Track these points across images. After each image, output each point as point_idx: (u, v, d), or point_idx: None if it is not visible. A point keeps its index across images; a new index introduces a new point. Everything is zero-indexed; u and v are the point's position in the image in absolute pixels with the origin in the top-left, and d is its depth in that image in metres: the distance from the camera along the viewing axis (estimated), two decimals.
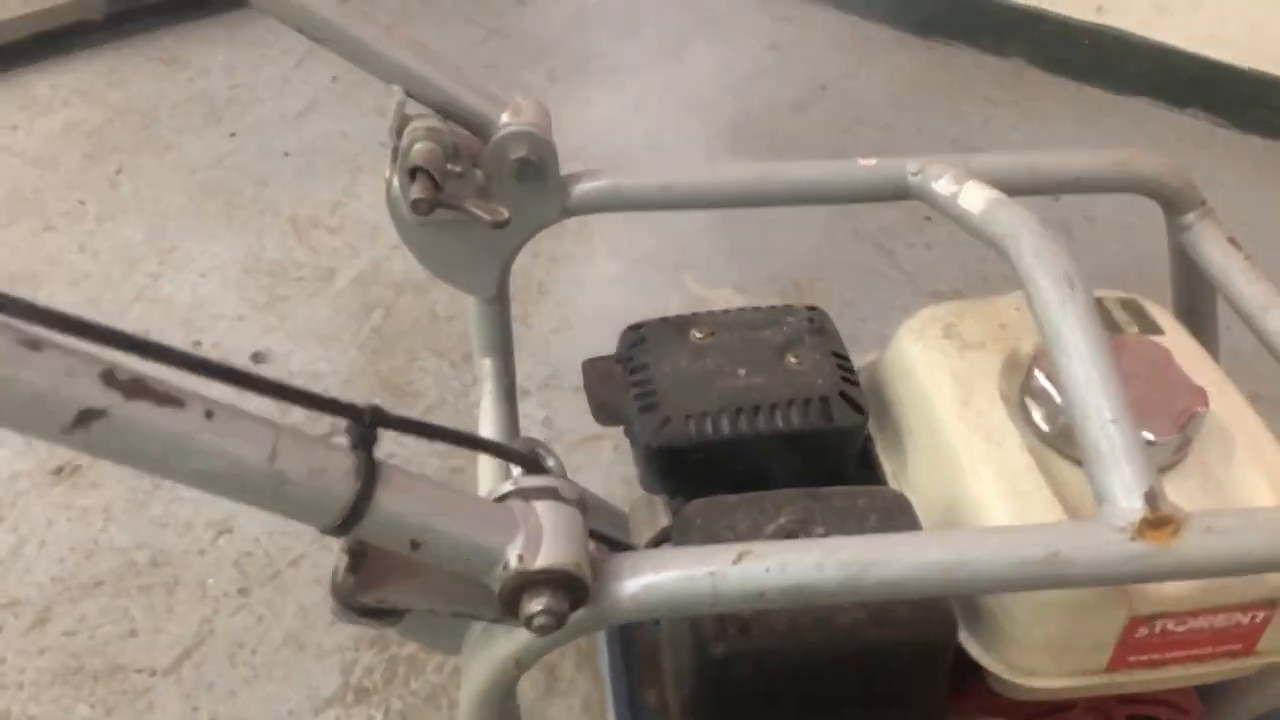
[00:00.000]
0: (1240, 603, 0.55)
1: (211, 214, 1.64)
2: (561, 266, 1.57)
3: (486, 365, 0.78)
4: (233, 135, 1.82)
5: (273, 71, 2.01)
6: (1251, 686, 0.72)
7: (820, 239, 1.65)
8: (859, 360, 0.76)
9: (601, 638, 0.96)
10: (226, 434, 0.36)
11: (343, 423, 0.39)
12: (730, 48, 2.16)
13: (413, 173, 0.61)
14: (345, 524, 0.38)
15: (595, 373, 0.72)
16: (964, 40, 2.20)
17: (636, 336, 0.71)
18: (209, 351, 1.39)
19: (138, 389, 0.34)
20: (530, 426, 1.30)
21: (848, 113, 2.00)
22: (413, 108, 0.64)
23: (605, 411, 0.71)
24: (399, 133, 0.63)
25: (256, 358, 1.39)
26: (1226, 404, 0.63)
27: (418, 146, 0.62)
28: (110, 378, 0.33)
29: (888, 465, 0.70)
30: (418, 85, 0.64)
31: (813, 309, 0.74)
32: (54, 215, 1.62)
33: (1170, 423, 0.58)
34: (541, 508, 0.43)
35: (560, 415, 1.32)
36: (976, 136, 1.94)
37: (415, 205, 0.60)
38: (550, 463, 0.48)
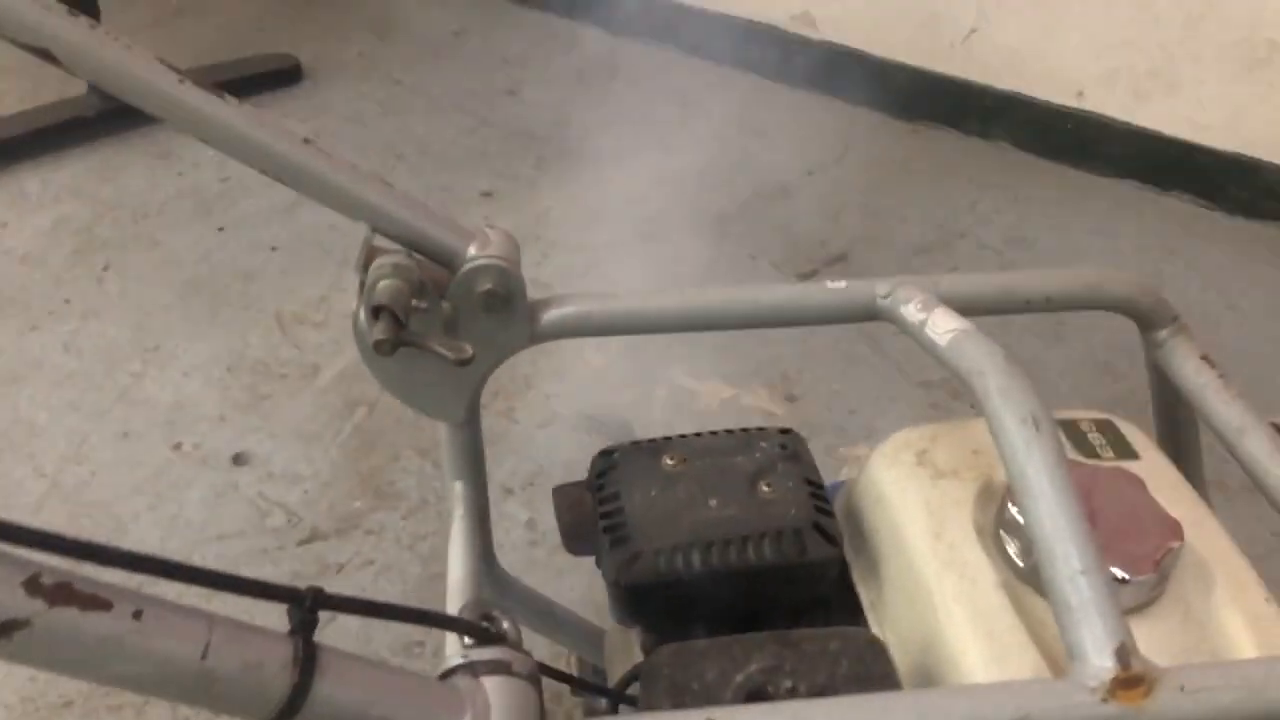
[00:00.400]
0: None
1: (197, 310, 1.65)
2: (548, 359, 1.57)
3: (457, 489, 0.77)
4: (221, 230, 1.84)
5: None
6: None
7: (806, 329, 1.65)
8: (840, 474, 0.75)
9: None
10: (155, 634, 0.34)
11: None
12: (716, 134, 2.20)
13: (376, 311, 0.61)
14: (282, 717, 0.37)
15: (565, 500, 0.71)
16: (948, 124, 2.24)
17: (607, 462, 0.70)
18: (190, 454, 1.38)
19: (63, 594, 0.33)
20: (512, 528, 1.28)
21: (834, 198, 2.02)
22: (381, 242, 0.65)
23: (576, 541, 0.70)
24: (365, 268, 0.63)
25: (237, 459, 1.38)
26: (1204, 535, 0.62)
27: (383, 284, 0.62)
28: (34, 584, 0.33)
29: (865, 594, 0.68)
30: (384, 222, 0.64)
31: (786, 432, 0.73)
32: (39, 314, 1.63)
33: (1145, 560, 0.57)
34: (491, 684, 0.41)
35: (544, 516, 1.30)
36: (963, 220, 1.96)
37: (377, 346, 0.59)
38: (505, 625, 0.47)
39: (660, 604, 0.65)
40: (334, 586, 0.57)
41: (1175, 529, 0.59)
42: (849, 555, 0.70)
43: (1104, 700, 0.45)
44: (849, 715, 0.45)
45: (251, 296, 1.68)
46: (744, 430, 0.73)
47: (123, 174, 1.99)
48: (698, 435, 0.72)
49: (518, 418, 1.46)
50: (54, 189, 1.94)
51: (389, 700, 0.39)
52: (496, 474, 1.35)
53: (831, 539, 0.65)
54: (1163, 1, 1.89)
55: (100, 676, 0.34)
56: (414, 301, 0.62)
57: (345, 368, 1.53)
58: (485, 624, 0.45)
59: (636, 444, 0.72)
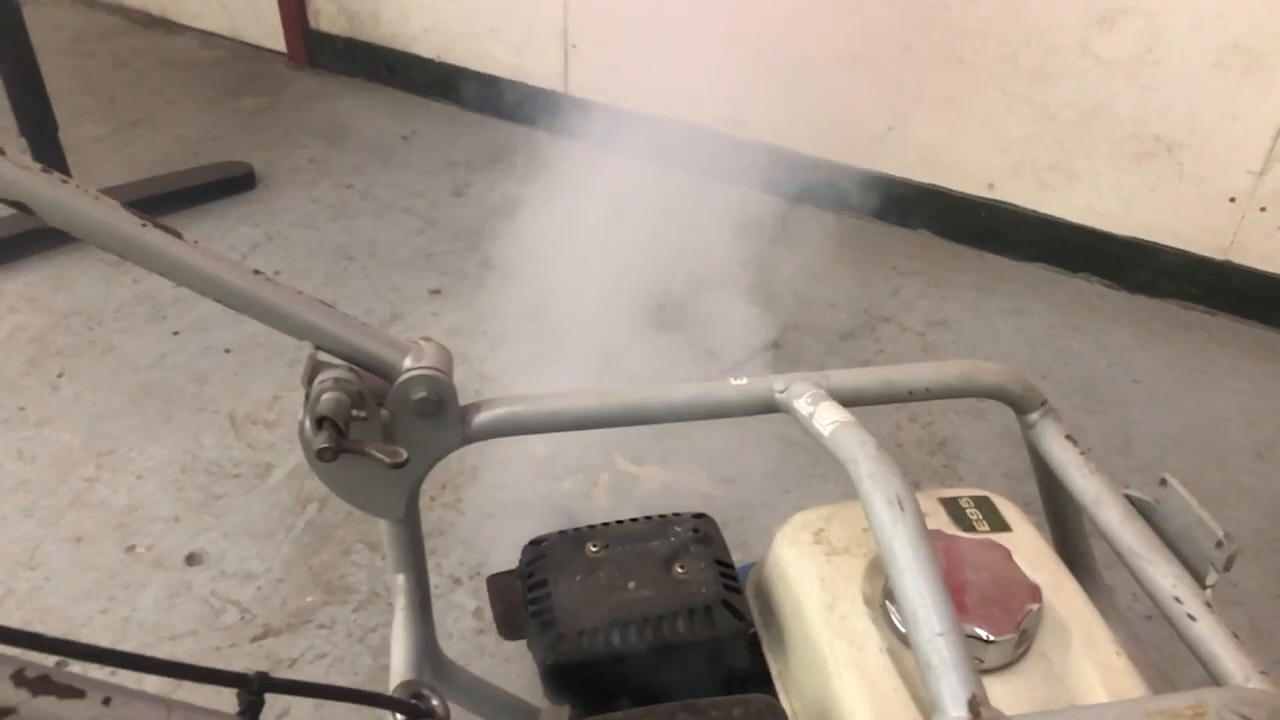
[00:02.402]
0: None
1: (151, 414, 1.69)
2: (494, 450, 1.63)
3: (400, 581, 0.83)
4: (175, 334, 1.89)
5: None
6: None
7: None
8: (751, 557, 0.82)
9: None
10: (122, 718, 0.40)
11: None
12: (652, 230, 2.31)
13: (320, 421, 0.68)
14: None
15: (497, 589, 0.77)
16: (872, 214, 2.38)
17: (536, 551, 0.77)
18: (143, 556, 1.41)
19: (44, 685, 0.39)
20: (460, 617, 1.33)
21: (766, 287, 2.13)
22: (324, 357, 0.72)
23: (509, 626, 0.76)
24: (310, 381, 0.70)
25: (191, 559, 1.41)
26: (1065, 598, 0.69)
27: (325, 397, 0.68)
28: (20, 677, 0.38)
29: (773, 664, 0.75)
30: (327, 340, 0.71)
31: (699, 516, 0.80)
32: None
33: (1006, 621, 0.64)
34: None
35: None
36: (888, 305, 2.08)
37: (321, 454, 0.66)
38: (435, 703, 0.52)
39: (586, 681, 0.70)
40: None
41: (1035, 592, 0.67)
42: (760, 629, 0.77)
43: None
44: None
45: (205, 398, 1.73)
46: (661, 516, 0.80)
47: (78, 282, 2.04)
48: (619, 523, 0.79)
49: (465, 509, 1.51)
50: (8, 298, 1.98)
51: None
52: (445, 564, 1.40)
53: (739, 614, 0.72)
54: (1057, 102, 2.06)
55: None
56: (354, 411, 0.69)
57: (297, 465, 1.58)
58: (415, 701, 0.51)
59: (563, 533, 0.78)
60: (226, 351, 1.85)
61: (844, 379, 0.79)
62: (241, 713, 0.43)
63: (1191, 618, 0.64)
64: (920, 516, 0.61)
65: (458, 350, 1.46)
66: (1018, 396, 0.83)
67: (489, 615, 1.34)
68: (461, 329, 1.97)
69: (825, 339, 1.97)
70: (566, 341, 1.94)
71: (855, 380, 0.79)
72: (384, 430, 0.73)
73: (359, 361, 0.73)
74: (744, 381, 0.80)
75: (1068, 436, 0.81)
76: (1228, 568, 0.67)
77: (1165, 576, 0.67)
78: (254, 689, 0.44)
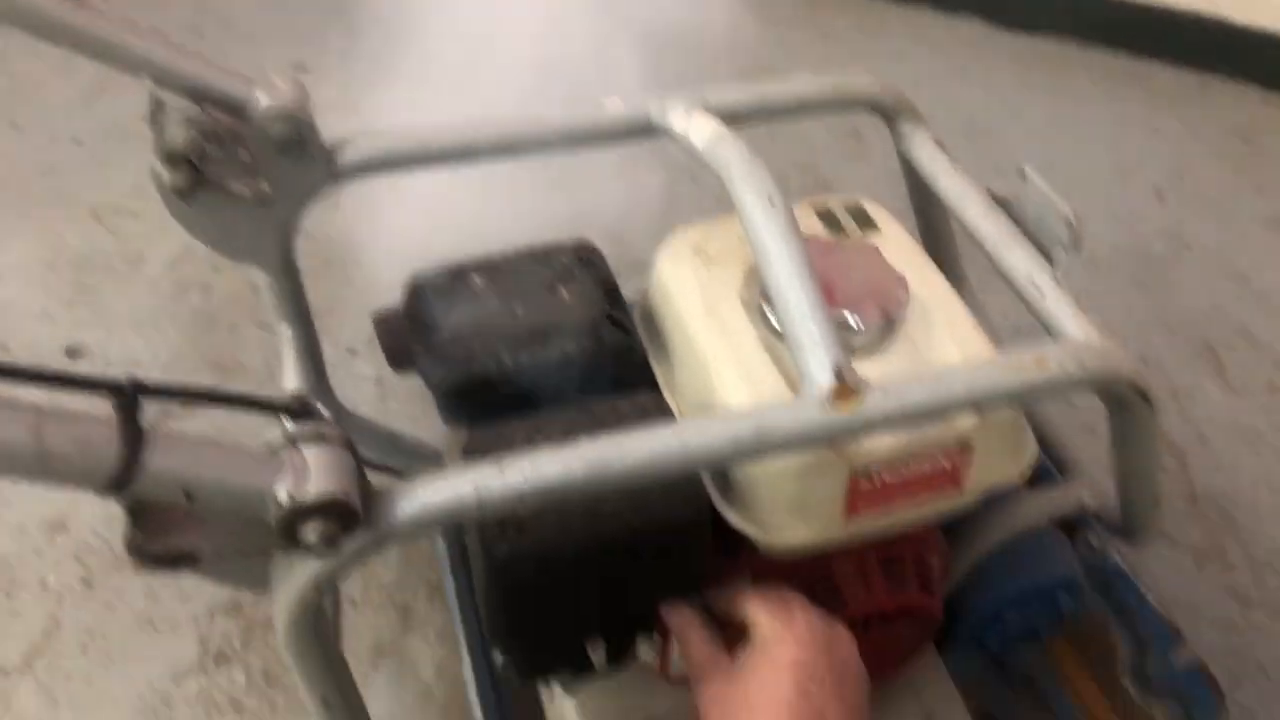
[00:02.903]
0: (938, 448, 0.65)
1: (2, 212, 1.58)
2: (376, 238, 1.59)
3: (286, 333, 0.82)
4: (15, 127, 1.74)
5: (55, 55, 1.92)
6: (983, 523, 0.85)
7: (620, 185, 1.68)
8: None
9: (446, 571, 1.03)
10: None
11: None
12: None
13: (172, 159, 0.64)
14: (117, 486, 0.43)
15: (384, 324, 0.77)
16: None
17: (418, 286, 0.77)
18: (19, 355, 1.36)
19: None
20: (362, 384, 1.34)
21: (653, 40, 2.05)
22: (168, 98, 0.67)
23: (397, 360, 0.77)
24: (155, 120, 0.66)
25: (71, 353, 1.37)
26: (931, 290, 0.73)
27: (174, 133, 0.65)
28: None
29: (660, 377, 0.78)
30: (169, 76, 0.66)
31: (581, 243, 0.80)
32: None
33: (873, 307, 0.68)
34: (308, 449, 0.48)
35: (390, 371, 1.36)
36: (774, 54, 2.03)
37: (178, 191, 0.63)
38: (318, 411, 0.53)
39: (480, 402, 0.72)
40: None
41: (902, 283, 0.70)
42: (649, 348, 0.79)
43: (825, 409, 0.56)
44: (623, 446, 0.54)
45: (62, 192, 1.62)
46: (544, 245, 0.80)
47: None
48: (501, 254, 0.79)
49: (353, 283, 1.49)
50: None
51: (215, 467, 0.45)
52: (341, 337, 1.39)
53: (625, 328, 0.74)
54: None
55: None
56: (208, 148, 0.66)
57: (174, 253, 1.52)
58: (302, 408, 0.52)
59: (445, 268, 0.78)
60: (77, 143, 1.72)
61: (719, 96, 0.78)
62: (117, 418, 0.43)
63: (1042, 293, 0.69)
64: (790, 212, 0.63)
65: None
66: (889, 106, 0.84)
67: (390, 383, 1.35)
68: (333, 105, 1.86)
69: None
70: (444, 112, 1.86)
71: (731, 96, 0.78)
72: (244, 171, 0.70)
73: (207, 98, 0.68)
74: (619, 106, 0.78)
75: (936, 142, 0.83)
76: (1077, 247, 0.71)
77: (1022, 260, 0.71)
78: (128, 393, 0.44)
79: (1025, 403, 0.62)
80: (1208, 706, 0.98)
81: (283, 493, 0.47)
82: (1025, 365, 0.59)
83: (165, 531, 0.47)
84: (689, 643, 0.65)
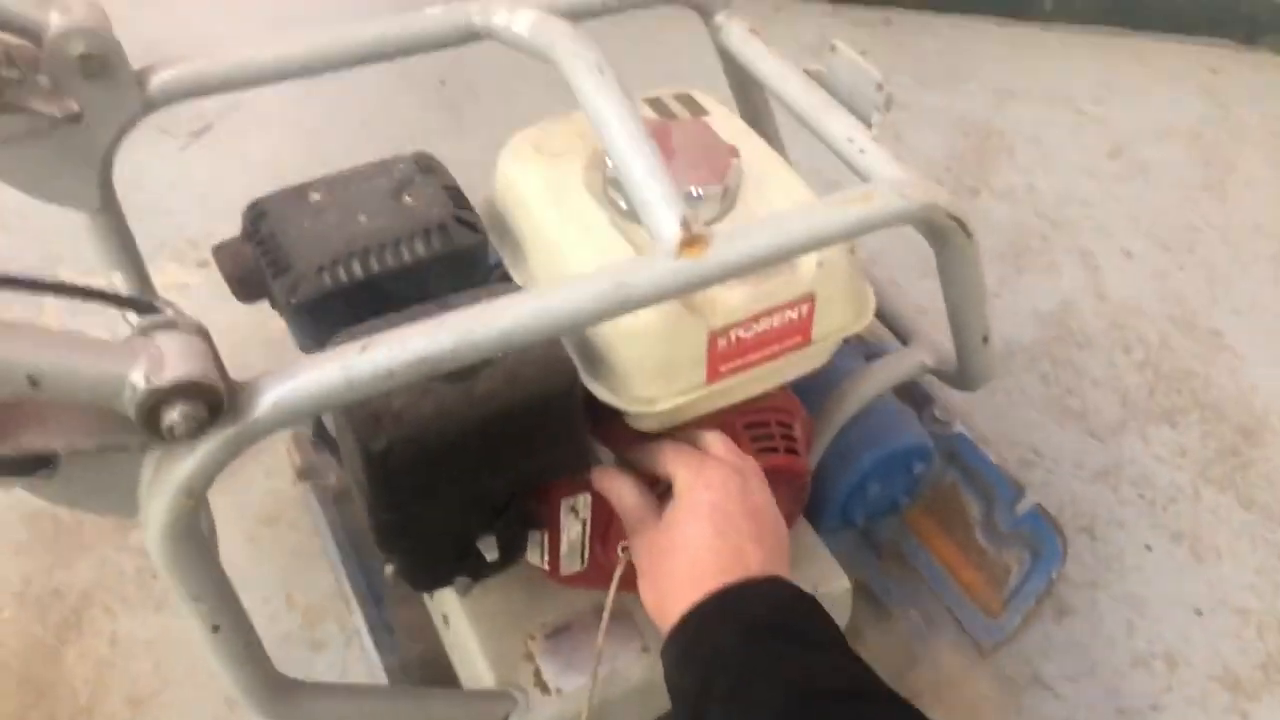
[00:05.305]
0: (785, 301, 0.69)
1: None
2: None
3: (118, 279, 0.78)
4: None
5: None
6: (837, 392, 0.90)
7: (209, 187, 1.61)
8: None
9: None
10: None
11: None
12: None
13: None
14: None
15: (226, 254, 0.74)
16: None
17: (257, 210, 0.75)
18: None
19: None
20: None
21: None
22: None
23: (245, 288, 0.74)
24: None
25: None
26: (758, 157, 0.77)
27: None
28: None
29: (516, 276, 0.79)
30: None
31: (420, 153, 0.80)
32: None
33: (711, 176, 0.70)
34: (161, 337, 0.47)
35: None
36: None
37: None
38: (167, 310, 0.51)
39: (332, 317, 0.71)
40: None
41: (732, 150, 0.73)
42: (500, 250, 0.80)
43: (675, 259, 0.58)
44: (487, 314, 0.55)
45: None
46: (381, 160, 0.79)
47: None
48: (338, 172, 0.78)
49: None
50: None
51: (60, 352, 0.44)
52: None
53: (474, 227, 0.74)
54: None
55: None
56: (3, 71, 0.62)
57: None
58: (148, 304, 0.50)
59: (282, 190, 0.76)
60: None
61: None
62: None
63: (862, 151, 0.74)
64: (621, 81, 0.64)
65: None
66: (704, 0, 0.87)
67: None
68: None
69: None
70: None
71: None
72: (47, 96, 0.66)
73: None
74: (438, 11, 0.78)
75: (751, 30, 0.87)
76: (888, 107, 0.76)
77: (839, 126, 0.75)
78: None
79: (858, 237, 0.67)
80: (1051, 544, 1.07)
81: (139, 377, 0.45)
82: (854, 201, 0.64)
83: (14, 429, 0.45)
84: (621, 498, 0.69)
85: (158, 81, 0.70)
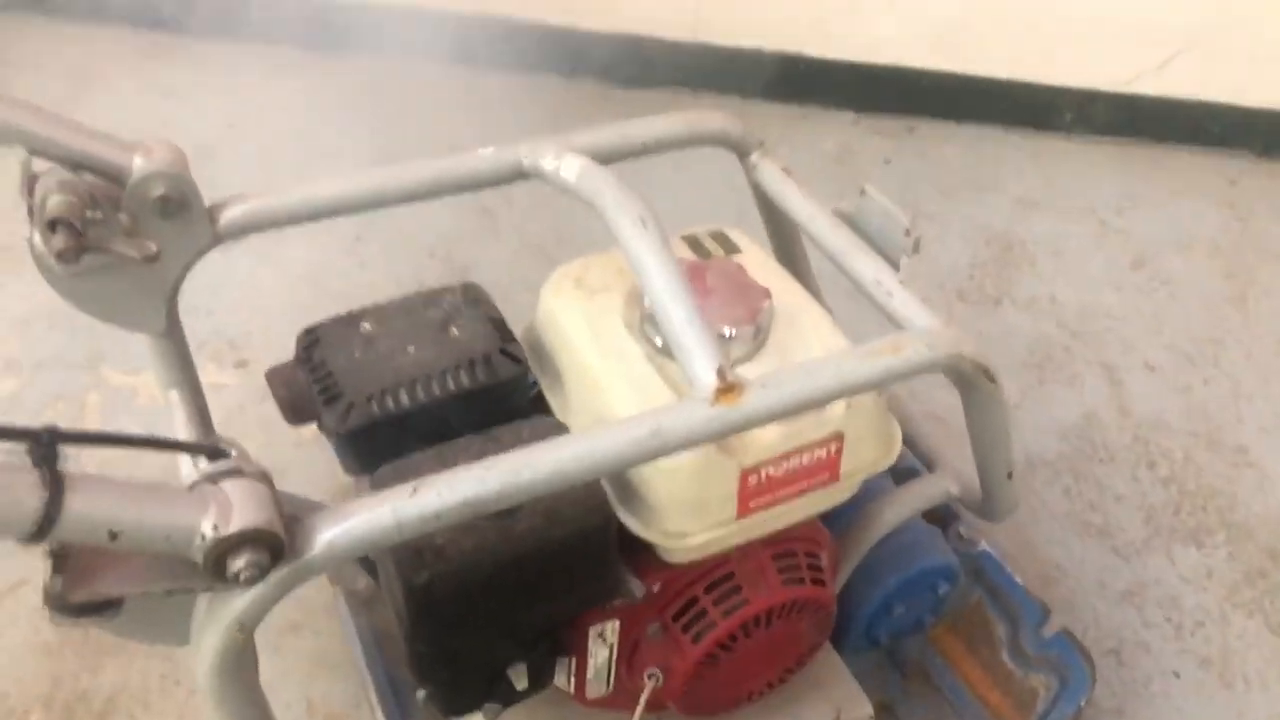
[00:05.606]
0: (814, 440, 0.72)
1: None
2: None
3: (174, 397, 0.82)
4: None
5: None
6: (864, 518, 0.92)
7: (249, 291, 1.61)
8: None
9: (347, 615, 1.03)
10: None
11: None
12: None
13: (53, 225, 0.64)
14: (40, 531, 0.44)
15: (279, 379, 0.78)
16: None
17: (312, 337, 0.78)
18: None
19: None
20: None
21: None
22: (41, 166, 0.67)
23: (296, 412, 0.78)
24: (30, 191, 0.66)
25: None
26: (792, 298, 0.80)
27: (53, 200, 0.65)
28: None
29: (553, 402, 0.82)
30: (41, 144, 0.67)
31: (468, 285, 0.84)
32: None
33: (744, 317, 0.74)
34: (228, 485, 0.50)
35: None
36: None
37: (61, 256, 0.63)
38: (232, 452, 0.55)
39: (381, 444, 0.74)
40: None
41: (764, 293, 0.77)
42: (540, 378, 0.83)
43: (711, 405, 0.61)
44: (530, 457, 0.58)
45: None
46: (430, 289, 0.83)
47: None
48: (390, 301, 0.82)
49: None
50: None
51: (138, 506, 0.47)
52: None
53: (516, 359, 0.78)
54: None
55: None
56: (89, 213, 0.66)
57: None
58: (215, 450, 0.53)
59: (335, 318, 0.80)
60: None
61: (583, 138, 0.83)
62: (37, 464, 0.44)
63: (890, 294, 0.77)
64: (662, 230, 0.68)
65: None
66: (738, 140, 0.91)
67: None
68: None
69: None
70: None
71: (594, 138, 0.84)
72: (125, 235, 0.71)
73: (83, 164, 0.69)
74: (490, 152, 0.83)
75: (784, 169, 0.91)
76: (916, 250, 0.80)
77: (868, 267, 0.79)
78: (45, 441, 0.45)
79: (886, 386, 0.69)
80: (1079, 670, 1.07)
81: (208, 527, 0.48)
82: (883, 352, 0.66)
83: (88, 578, 0.47)
84: None
85: (227, 217, 0.75)
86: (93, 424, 1.41)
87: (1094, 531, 1.36)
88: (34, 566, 1.18)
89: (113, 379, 1.47)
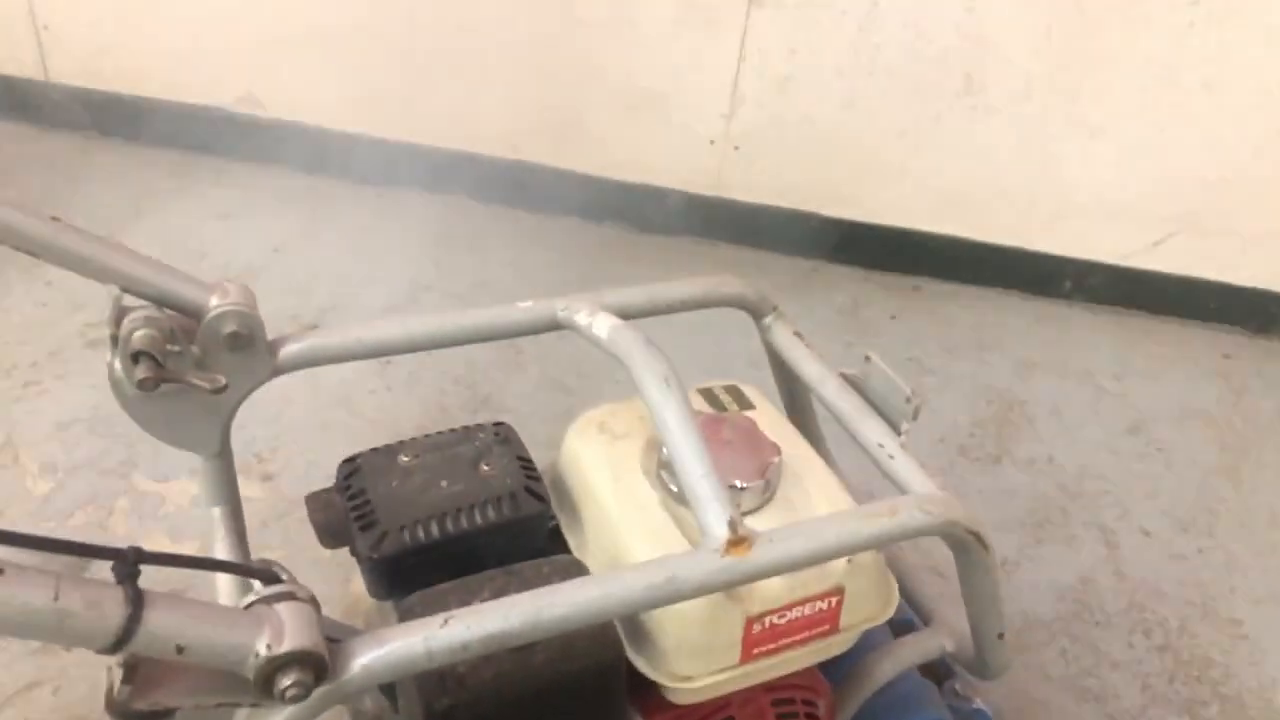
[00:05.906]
0: (817, 593, 0.76)
1: None
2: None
3: (217, 514, 0.87)
4: None
5: None
6: (860, 669, 0.95)
7: (281, 406, 1.69)
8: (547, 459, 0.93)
9: None
10: (17, 585, 0.46)
11: None
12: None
13: (135, 356, 0.72)
14: (120, 642, 0.49)
15: (317, 503, 0.83)
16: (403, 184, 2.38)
17: (352, 466, 0.84)
18: None
19: None
20: None
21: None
22: (130, 301, 0.75)
23: (330, 536, 0.83)
24: (118, 323, 0.73)
25: None
26: (799, 455, 0.86)
27: (138, 333, 0.72)
28: None
29: (572, 541, 0.87)
30: (132, 282, 0.75)
31: (499, 424, 0.90)
32: None
33: (754, 472, 0.79)
34: (281, 607, 0.55)
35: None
36: (429, 275, 2.06)
37: (142, 384, 0.70)
38: (284, 576, 0.60)
39: (409, 572, 0.79)
40: None
41: (775, 449, 0.83)
42: (559, 515, 0.89)
43: (722, 556, 0.66)
44: (552, 597, 0.63)
45: None
46: (465, 427, 0.90)
47: None
48: (427, 435, 0.88)
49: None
50: None
51: (205, 625, 0.52)
52: None
53: (540, 497, 0.83)
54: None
55: None
56: (168, 346, 0.74)
57: None
58: (270, 572, 0.58)
59: (375, 449, 0.86)
60: None
61: (615, 297, 0.91)
62: (121, 580, 0.49)
63: (891, 457, 0.83)
64: (684, 392, 0.75)
65: None
66: (755, 303, 0.99)
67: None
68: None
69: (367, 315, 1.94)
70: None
71: (624, 297, 0.92)
72: (196, 365, 0.77)
73: (166, 301, 0.76)
74: (530, 304, 0.91)
75: (795, 333, 0.99)
76: (915, 417, 0.86)
77: (872, 430, 0.85)
78: (130, 560, 0.50)
79: (883, 546, 0.74)
80: None
81: (262, 645, 0.53)
82: (881, 514, 0.72)
83: (150, 688, 0.52)
84: None
85: (286, 353, 0.82)
86: (119, 528, 1.45)
87: (1091, 696, 1.37)
88: (46, 668, 1.23)
89: (142, 485, 1.53)
